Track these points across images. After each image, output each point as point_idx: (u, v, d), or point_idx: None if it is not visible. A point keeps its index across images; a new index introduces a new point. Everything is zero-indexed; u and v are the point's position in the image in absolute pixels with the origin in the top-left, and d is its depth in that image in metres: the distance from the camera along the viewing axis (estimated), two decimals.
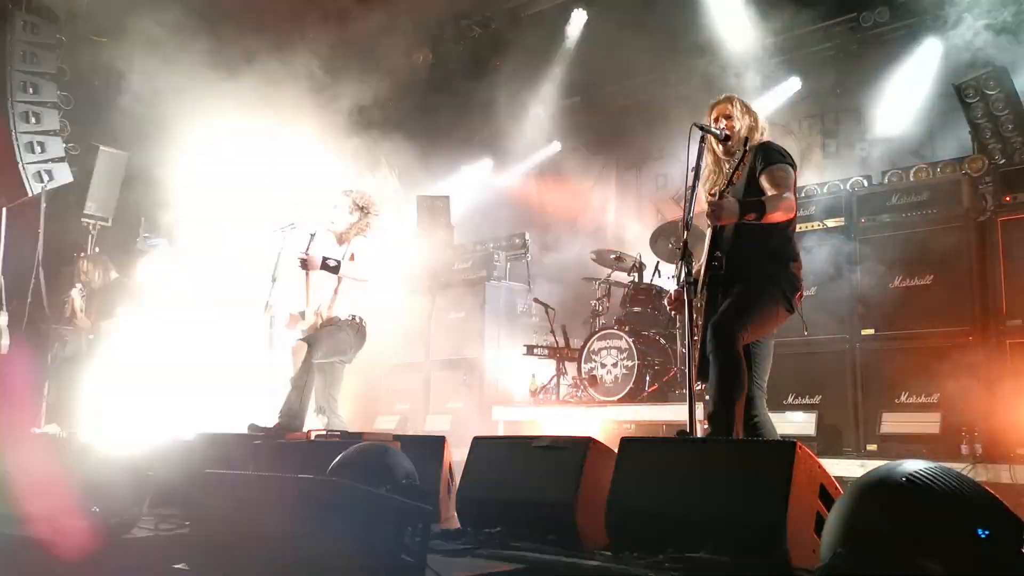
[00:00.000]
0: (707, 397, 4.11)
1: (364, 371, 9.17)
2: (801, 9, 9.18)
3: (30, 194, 8.92)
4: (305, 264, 5.45)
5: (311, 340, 5.48)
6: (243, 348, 7.17)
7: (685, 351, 4.57)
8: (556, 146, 12.01)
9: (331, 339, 5.57)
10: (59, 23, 8.99)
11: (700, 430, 4.20)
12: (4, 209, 8.82)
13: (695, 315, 4.07)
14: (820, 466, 3.38)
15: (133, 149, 9.49)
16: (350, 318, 5.69)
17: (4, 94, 8.83)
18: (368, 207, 5.80)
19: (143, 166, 9.42)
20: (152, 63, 8.37)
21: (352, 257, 5.63)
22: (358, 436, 4.79)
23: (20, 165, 8.83)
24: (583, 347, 8.01)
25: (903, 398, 5.89)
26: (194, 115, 8.35)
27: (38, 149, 8.94)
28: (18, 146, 8.82)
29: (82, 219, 9.53)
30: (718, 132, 4.23)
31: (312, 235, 5.64)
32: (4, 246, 8.70)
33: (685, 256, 4.01)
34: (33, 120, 8.92)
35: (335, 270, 5.50)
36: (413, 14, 10.63)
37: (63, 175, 9.14)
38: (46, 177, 8.95)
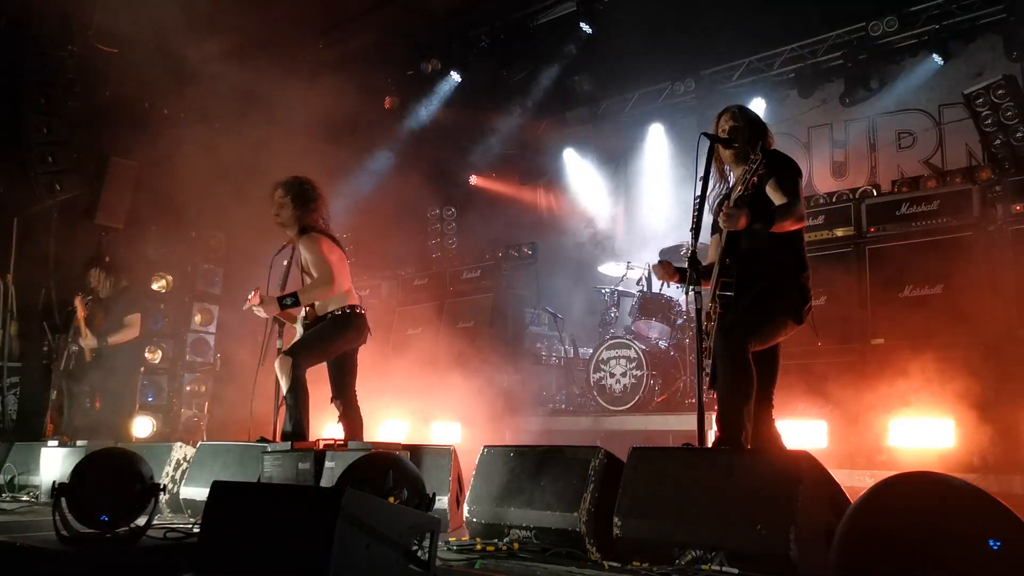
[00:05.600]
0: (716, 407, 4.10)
1: (372, 380, 9.18)
2: (810, 19, 9.17)
3: (41, 204, 8.96)
4: (263, 309, 5.30)
5: (292, 351, 5.38)
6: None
7: (694, 360, 4.56)
8: (565, 155, 12.03)
9: (312, 344, 5.44)
10: (70, 34, 9.04)
11: (710, 440, 4.18)
12: (15, 219, 8.86)
13: (704, 322, 4.06)
14: (830, 477, 3.37)
15: (144, 159, 9.53)
16: (337, 311, 5.50)
17: (16, 105, 8.88)
18: (308, 194, 5.55)
19: (153, 175, 9.46)
20: (164, 74, 8.43)
21: (307, 263, 5.46)
22: (367, 445, 4.78)
23: (31, 175, 8.87)
24: (592, 356, 8.00)
25: (913, 408, 5.85)
26: (204, 124, 8.40)
27: (49, 159, 8.98)
28: (29, 156, 8.87)
29: (93, 229, 9.57)
30: (726, 141, 4.22)
31: (270, 267, 5.53)
32: (15, 256, 8.74)
33: (693, 265, 4.01)
34: (44, 130, 8.96)
35: (296, 303, 5.31)
36: (423, 25, 10.68)
37: (73, 185, 9.18)
38: (57, 187, 8.99)
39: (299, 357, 5.32)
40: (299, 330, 5.63)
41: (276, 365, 5.34)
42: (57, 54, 9.01)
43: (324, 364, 5.59)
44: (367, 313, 5.71)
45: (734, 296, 4.01)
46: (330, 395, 5.67)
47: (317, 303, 5.47)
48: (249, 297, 5.35)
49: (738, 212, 3.91)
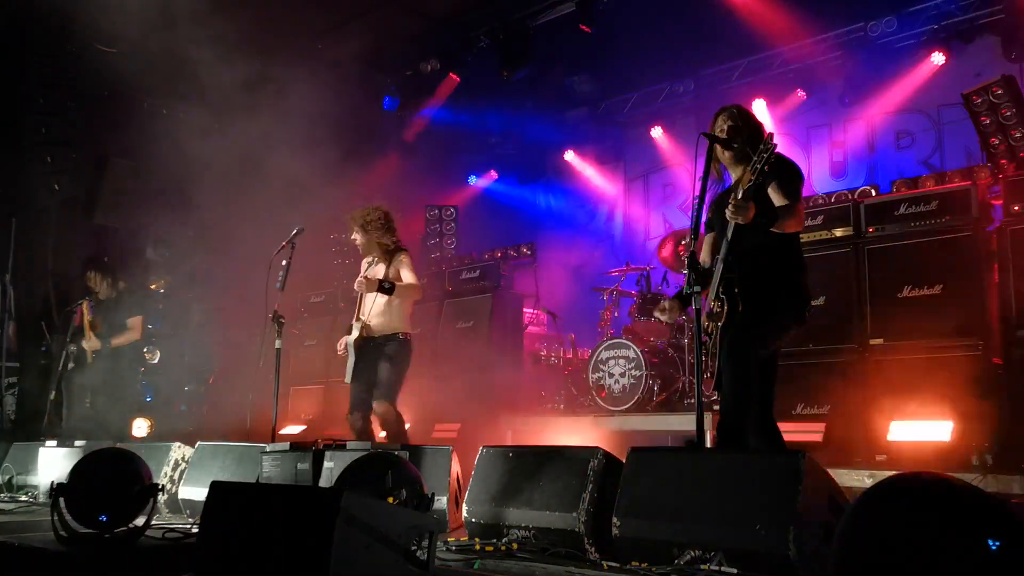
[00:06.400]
0: (717, 407, 4.11)
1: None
2: (809, 19, 9.17)
3: (40, 204, 8.96)
4: (364, 285, 5.79)
5: (387, 396, 5.79)
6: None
7: (693, 360, 4.55)
8: (563, 155, 12.03)
9: (398, 378, 5.88)
10: (70, 34, 9.03)
11: (709, 440, 4.19)
12: (14, 219, 8.85)
13: (703, 323, 4.07)
14: (829, 477, 3.37)
15: (142, 158, 9.52)
16: (403, 335, 5.97)
17: (15, 105, 8.88)
18: (385, 220, 6.05)
19: (152, 175, 9.46)
20: (163, 74, 8.41)
21: (399, 274, 5.93)
22: (366, 445, 4.78)
23: (30, 175, 8.87)
24: (591, 356, 8.00)
25: (912, 408, 5.85)
26: (203, 123, 8.39)
27: (48, 159, 8.97)
28: (28, 156, 8.86)
29: (91, 229, 9.56)
30: (725, 141, 4.23)
31: (371, 263, 6.06)
32: (14, 256, 8.73)
33: (692, 265, 4.01)
34: (43, 130, 8.96)
35: (390, 291, 5.79)
36: (422, 25, 10.68)
37: (72, 185, 9.17)
38: (56, 187, 8.98)
39: (395, 398, 5.85)
40: (351, 349, 5.91)
41: (380, 414, 5.79)
42: (57, 54, 9.00)
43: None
44: None
45: (738, 296, 4.02)
46: (347, 408, 5.99)
47: (386, 323, 5.93)
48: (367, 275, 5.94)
49: (746, 204, 3.91)
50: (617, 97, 11.32)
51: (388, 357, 5.88)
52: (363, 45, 10.43)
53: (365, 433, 5.89)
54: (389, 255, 6.05)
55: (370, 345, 5.93)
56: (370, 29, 10.36)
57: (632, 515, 3.58)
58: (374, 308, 5.94)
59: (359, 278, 5.87)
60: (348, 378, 5.95)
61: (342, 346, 6.01)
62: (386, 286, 5.79)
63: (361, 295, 6.02)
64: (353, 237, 6.16)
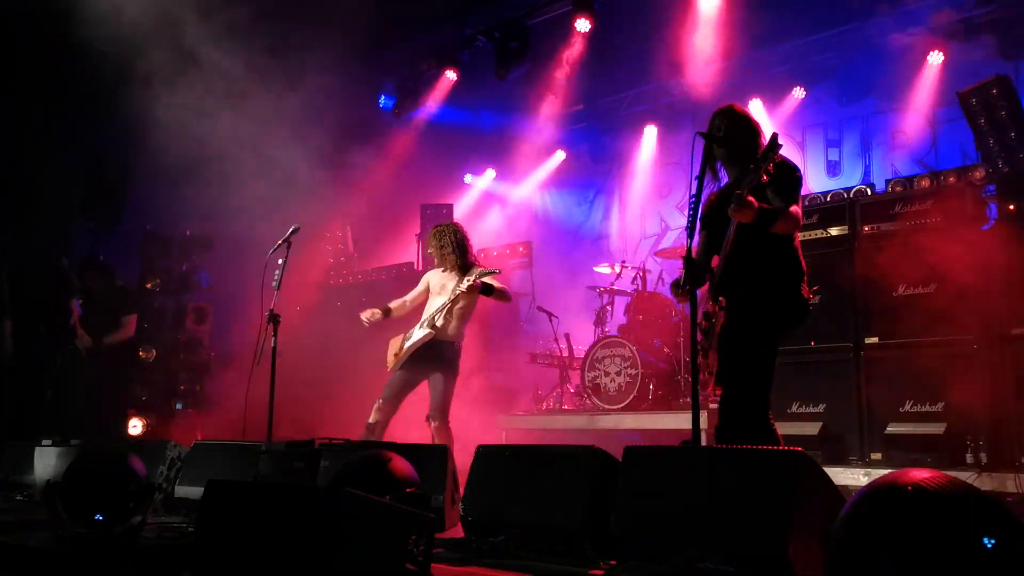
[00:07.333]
0: (713, 406, 4.12)
1: (367, 379, 9.18)
2: (805, 18, 9.19)
3: (35, 204, 8.94)
4: (474, 287, 6.00)
5: (442, 415, 6.06)
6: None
7: (689, 359, 4.55)
8: (560, 155, 12.03)
9: (452, 393, 6.18)
10: (69, 33, 9.00)
11: (705, 438, 4.19)
12: (9, 218, 8.83)
13: (702, 322, 4.07)
14: (825, 475, 3.38)
15: (138, 157, 9.50)
16: (459, 344, 6.26)
17: (12, 104, 8.86)
18: (461, 238, 6.30)
19: (147, 174, 9.44)
20: (160, 73, 8.40)
21: (476, 281, 6.16)
22: (363, 444, 4.78)
23: (26, 174, 8.85)
24: (586, 355, 8.01)
25: (907, 406, 5.87)
26: (198, 123, 8.38)
27: (44, 157, 8.94)
28: (24, 156, 8.84)
29: (87, 228, 9.55)
30: (722, 140, 4.23)
31: (493, 272, 6.23)
32: (9, 254, 8.71)
33: (689, 264, 4.01)
34: (40, 130, 8.93)
35: (488, 293, 6.09)
36: (420, 24, 10.67)
37: (68, 184, 9.15)
38: (52, 186, 8.96)
39: (448, 414, 6.11)
40: (413, 339, 6.12)
41: (435, 430, 6.02)
42: (54, 53, 8.97)
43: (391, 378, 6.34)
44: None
45: (736, 298, 4.02)
46: (426, 413, 6.22)
47: (450, 327, 6.19)
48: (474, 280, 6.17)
49: (749, 202, 3.90)
50: (613, 96, 11.32)
51: (444, 371, 6.11)
52: (361, 44, 10.42)
53: (383, 425, 6.07)
54: (463, 270, 6.23)
55: (429, 345, 6.13)
56: (367, 27, 10.35)
57: (629, 514, 3.58)
58: (441, 310, 6.14)
59: (470, 281, 6.02)
60: (396, 366, 6.17)
61: (397, 347, 6.26)
62: (491, 287, 6.07)
63: (428, 300, 6.32)
64: (429, 252, 6.49)
